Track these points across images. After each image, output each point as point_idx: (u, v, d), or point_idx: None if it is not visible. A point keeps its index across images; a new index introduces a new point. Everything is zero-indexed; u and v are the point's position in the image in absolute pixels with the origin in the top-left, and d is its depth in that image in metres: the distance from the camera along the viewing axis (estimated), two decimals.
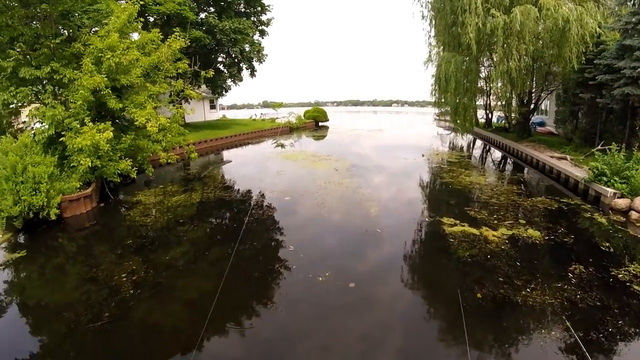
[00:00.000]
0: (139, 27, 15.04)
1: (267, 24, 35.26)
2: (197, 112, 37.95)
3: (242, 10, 33.20)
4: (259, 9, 33.95)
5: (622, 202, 11.79)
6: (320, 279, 7.25)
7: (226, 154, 25.43)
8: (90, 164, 11.38)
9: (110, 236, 10.32)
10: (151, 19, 26.33)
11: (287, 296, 6.86)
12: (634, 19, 14.74)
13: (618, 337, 5.68)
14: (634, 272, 7.73)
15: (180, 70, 15.30)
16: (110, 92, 12.57)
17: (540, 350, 5.36)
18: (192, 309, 6.52)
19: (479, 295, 6.75)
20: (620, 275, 7.58)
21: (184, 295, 6.94)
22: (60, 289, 7.45)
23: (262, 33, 35.30)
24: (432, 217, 11.45)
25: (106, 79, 12.20)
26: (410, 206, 12.71)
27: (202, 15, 30.55)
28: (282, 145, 27.94)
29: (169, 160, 14.33)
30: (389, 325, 6.15)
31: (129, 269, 7.73)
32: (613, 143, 13.88)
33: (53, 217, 10.24)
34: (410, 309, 6.72)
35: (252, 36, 32.41)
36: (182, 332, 5.86)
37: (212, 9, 31.29)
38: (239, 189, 14.95)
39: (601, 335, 5.67)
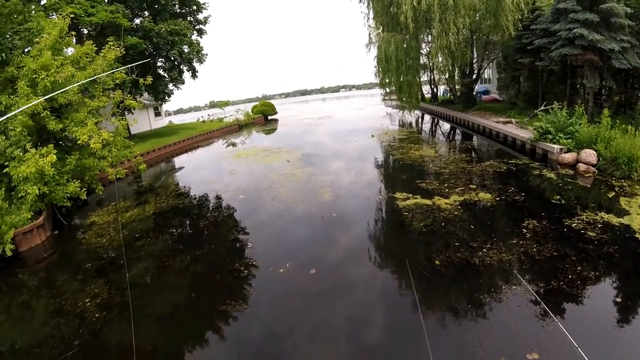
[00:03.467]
0: (72, 41, 14.04)
1: (205, 22, 33.76)
2: (142, 121, 36.33)
3: (178, 11, 31.61)
4: (195, 7, 32.40)
5: (569, 157, 11.99)
6: (282, 270, 7.04)
7: (177, 161, 24.33)
8: (37, 191, 10.40)
9: (69, 263, 9.53)
10: (85, 31, 24.92)
11: (254, 291, 6.68)
12: None
13: (578, 282, 5.65)
14: (587, 220, 7.76)
15: (117, 81, 14.29)
16: (49, 113, 11.69)
17: (503, 306, 5.28)
18: (165, 324, 6.10)
19: (437, 262, 6.64)
20: (574, 225, 7.58)
21: (154, 312, 6.47)
22: (28, 326, 6.73)
23: (200, 32, 33.78)
24: (384, 194, 11.31)
25: (43, 100, 11.25)
26: (362, 186, 12.48)
27: (137, 21, 28.84)
28: (233, 144, 27.01)
29: (118, 176, 13.36)
30: (353, 303, 6.00)
31: (92, 294, 7.13)
32: (555, 102, 14.08)
33: (9, 254, 9.23)
34: (370, 285, 6.54)
35: (190, 37, 30.85)
36: (160, 348, 5.50)
37: (146, 13, 29.60)
38: (192, 195, 14.29)
39: (561, 282, 5.64)
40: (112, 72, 13.54)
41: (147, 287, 7.40)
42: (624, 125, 11.44)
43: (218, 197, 13.01)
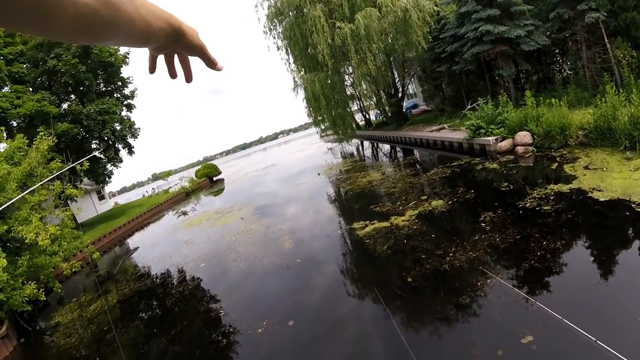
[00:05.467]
0: (3, 136, 13.88)
1: (132, 96, 33.26)
2: (87, 208, 34.85)
3: (103, 89, 31.10)
4: (120, 83, 31.94)
5: (505, 144, 12.33)
6: (260, 330, 6.66)
7: (130, 242, 23.29)
8: None
9: None
10: (14, 124, 24.28)
11: (238, 359, 6.33)
12: None
13: (547, 256, 5.61)
14: (539, 196, 7.85)
15: (55, 171, 13.77)
16: None
17: (484, 301, 5.17)
18: None
19: (409, 279, 6.43)
20: (528, 204, 7.63)
21: None
22: None
23: (129, 107, 33.21)
24: (343, 227, 11.18)
25: None
26: (320, 225, 12.30)
27: (65, 106, 28.36)
28: (184, 213, 26.27)
29: (74, 269, 12.72)
30: (336, 345, 5.73)
31: None
32: (479, 98, 14.58)
33: None
34: (350, 322, 6.29)
35: (120, 113, 30.47)
36: None
37: (73, 96, 28.99)
38: (153, 274, 13.60)
39: (532, 261, 5.58)
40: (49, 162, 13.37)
41: None
42: (548, 100, 11.90)
43: (180, 271, 12.43)
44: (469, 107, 16.97)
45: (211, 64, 0.82)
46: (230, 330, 7.27)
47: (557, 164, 9.61)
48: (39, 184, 12.37)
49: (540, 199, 7.65)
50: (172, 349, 7.38)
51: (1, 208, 10.26)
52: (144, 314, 10.18)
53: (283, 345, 6.04)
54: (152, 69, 0.83)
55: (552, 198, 7.55)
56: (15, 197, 11.98)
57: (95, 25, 0.53)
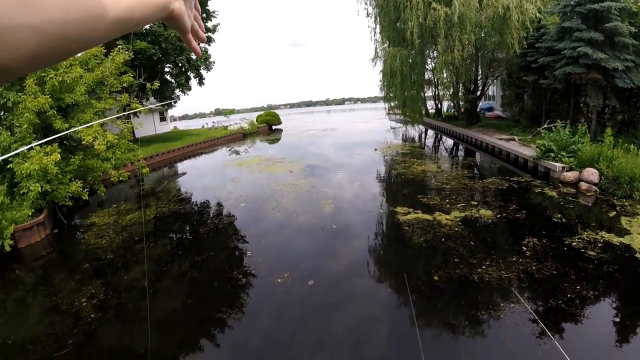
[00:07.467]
0: None
1: (214, 30, 33.84)
2: (147, 125, 36.30)
3: None
4: (204, 15, 32.39)
5: (571, 175, 11.98)
6: (279, 280, 6.98)
7: (180, 166, 24.33)
8: (40, 189, 10.52)
9: (67, 262, 9.56)
10: None
11: (251, 300, 6.66)
12: (572, 2, 14.93)
13: (577, 301, 5.61)
14: (588, 239, 7.73)
15: (125, 84, 14.43)
16: (55, 112, 11.84)
17: (500, 324, 5.24)
18: (161, 329, 5.98)
19: (435, 277, 6.58)
20: (575, 244, 7.55)
21: (150, 316, 6.29)
22: (23, 322, 6.73)
23: (209, 40, 33.80)
24: (386, 208, 11.35)
25: (50, 99, 11.48)
26: (363, 200, 12.46)
27: (147, 26, 29.39)
28: (237, 152, 27.03)
29: (121, 178, 13.41)
30: (350, 316, 5.95)
31: (88, 294, 7.14)
32: (558, 120, 14.12)
33: (7, 249, 9.31)
34: (368, 299, 6.51)
35: (199, 44, 31.41)
36: (155, 352, 5.28)
37: None
38: (194, 201, 14.28)
39: (560, 301, 5.59)
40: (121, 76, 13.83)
41: (145, 291, 7.29)
42: (626, 145, 11.52)
43: (219, 205, 12.99)
44: (545, 125, 16.41)
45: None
46: (252, 272, 7.65)
47: (615, 212, 9.31)
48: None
49: (588, 242, 7.56)
50: (191, 274, 7.90)
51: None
52: (175, 235, 10.75)
53: (297, 301, 6.36)
54: (197, 50, 0.83)
55: (599, 245, 7.43)
56: (83, 100, 12.70)
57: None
